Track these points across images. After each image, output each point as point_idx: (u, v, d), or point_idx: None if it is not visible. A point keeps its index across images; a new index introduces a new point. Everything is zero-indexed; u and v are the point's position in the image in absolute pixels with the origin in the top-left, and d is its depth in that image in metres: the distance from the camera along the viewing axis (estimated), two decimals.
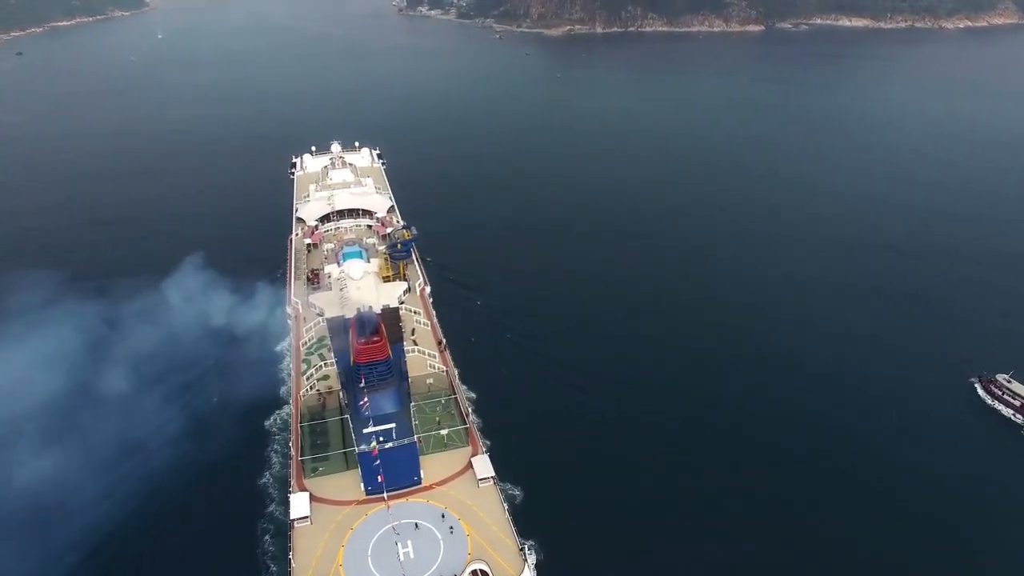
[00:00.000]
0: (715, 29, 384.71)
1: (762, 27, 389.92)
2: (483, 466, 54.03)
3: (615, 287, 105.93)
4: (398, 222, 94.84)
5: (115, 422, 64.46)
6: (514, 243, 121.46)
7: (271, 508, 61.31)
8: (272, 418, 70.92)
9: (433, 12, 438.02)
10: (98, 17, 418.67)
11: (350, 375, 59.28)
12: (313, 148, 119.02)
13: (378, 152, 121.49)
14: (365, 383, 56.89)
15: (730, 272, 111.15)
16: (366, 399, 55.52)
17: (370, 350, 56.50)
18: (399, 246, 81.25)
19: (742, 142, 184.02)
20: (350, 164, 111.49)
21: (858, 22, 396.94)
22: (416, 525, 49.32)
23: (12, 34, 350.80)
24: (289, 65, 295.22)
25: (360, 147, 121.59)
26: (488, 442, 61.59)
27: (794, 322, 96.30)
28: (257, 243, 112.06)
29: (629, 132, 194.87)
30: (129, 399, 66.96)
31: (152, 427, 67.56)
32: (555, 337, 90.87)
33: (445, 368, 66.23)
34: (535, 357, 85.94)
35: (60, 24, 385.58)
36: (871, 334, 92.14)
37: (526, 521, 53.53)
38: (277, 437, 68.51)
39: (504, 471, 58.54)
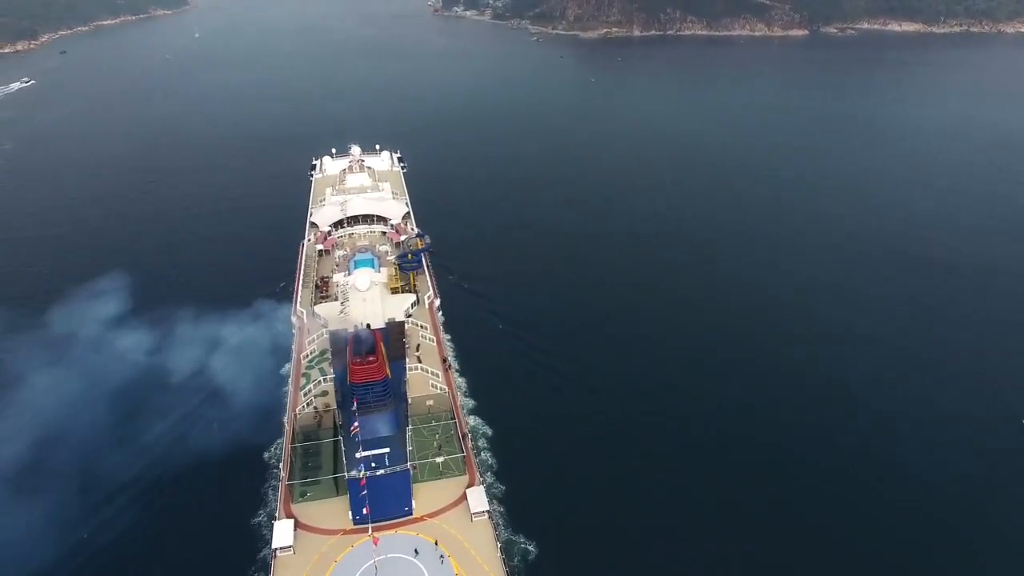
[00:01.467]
0: (756, 33, 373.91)
1: (806, 32, 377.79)
2: (478, 499, 50.79)
3: (651, 304, 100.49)
4: (413, 229, 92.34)
5: (103, 458, 62.35)
6: (537, 253, 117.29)
7: (261, 548, 56.64)
8: (272, 448, 66.47)
9: (468, 13, 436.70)
10: (141, 16, 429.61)
11: (347, 394, 56.67)
12: (333, 150, 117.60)
13: (399, 155, 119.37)
14: (358, 404, 54.14)
15: (780, 288, 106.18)
16: (356, 423, 52.77)
17: (366, 370, 53.69)
18: (410, 256, 78.60)
19: (782, 153, 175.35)
20: (368, 167, 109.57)
21: (909, 27, 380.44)
22: (402, 560, 46.39)
23: (60, 32, 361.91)
24: (319, 65, 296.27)
25: (380, 150, 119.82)
26: (488, 471, 58.51)
27: (853, 342, 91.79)
28: (273, 249, 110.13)
29: (663, 140, 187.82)
30: (121, 431, 64.73)
31: (144, 462, 64.97)
32: (580, 361, 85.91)
33: (448, 389, 63.18)
34: (552, 377, 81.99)
35: (105, 23, 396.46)
36: (935, 359, 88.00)
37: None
38: (274, 471, 63.92)
39: (508, 509, 55.56)
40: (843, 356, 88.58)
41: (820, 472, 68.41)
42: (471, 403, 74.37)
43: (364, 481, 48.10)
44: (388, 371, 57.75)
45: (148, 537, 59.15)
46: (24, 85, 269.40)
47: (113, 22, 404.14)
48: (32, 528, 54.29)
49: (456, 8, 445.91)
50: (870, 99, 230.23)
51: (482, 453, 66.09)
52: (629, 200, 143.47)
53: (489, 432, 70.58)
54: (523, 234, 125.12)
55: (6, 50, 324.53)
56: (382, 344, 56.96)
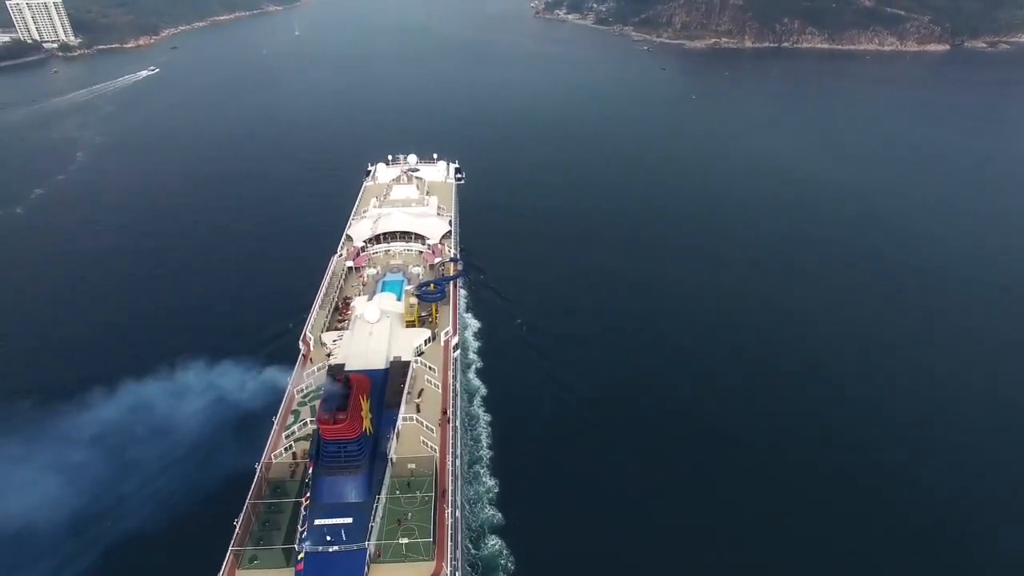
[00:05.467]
0: (886, 48, 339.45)
1: (947, 46, 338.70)
2: None
3: (760, 381, 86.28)
4: (449, 251, 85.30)
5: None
6: (591, 294, 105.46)
7: None
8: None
9: (570, 16, 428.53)
10: (254, 12, 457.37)
11: (319, 447, 50.09)
12: (390, 156, 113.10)
13: (456, 166, 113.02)
14: (325, 463, 47.45)
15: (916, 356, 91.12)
16: (310, 485, 46.34)
17: (333, 430, 46.77)
18: (432, 286, 71.34)
19: (915, 205, 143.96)
20: (418, 178, 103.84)
21: None
22: None
23: (179, 27, 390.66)
24: (410, 67, 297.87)
25: (438, 159, 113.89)
26: (463, 556, 49.87)
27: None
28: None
29: (767, 176, 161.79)
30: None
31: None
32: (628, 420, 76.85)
33: (439, 449, 55.09)
34: (593, 439, 72.90)
35: (220, 19, 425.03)
36: None
37: None
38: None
39: None
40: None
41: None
42: (485, 475, 67.24)
43: (301, 567, 41.16)
44: (369, 426, 50.62)
45: None
46: (151, 73, 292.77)
47: (228, 17, 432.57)
48: None
49: (559, 11, 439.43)
50: None
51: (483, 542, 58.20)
52: (717, 243, 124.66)
53: (499, 518, 62.62)
54: (582, 270, 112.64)
55: (129, 45, 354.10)
56: (361, 396, 49.79)
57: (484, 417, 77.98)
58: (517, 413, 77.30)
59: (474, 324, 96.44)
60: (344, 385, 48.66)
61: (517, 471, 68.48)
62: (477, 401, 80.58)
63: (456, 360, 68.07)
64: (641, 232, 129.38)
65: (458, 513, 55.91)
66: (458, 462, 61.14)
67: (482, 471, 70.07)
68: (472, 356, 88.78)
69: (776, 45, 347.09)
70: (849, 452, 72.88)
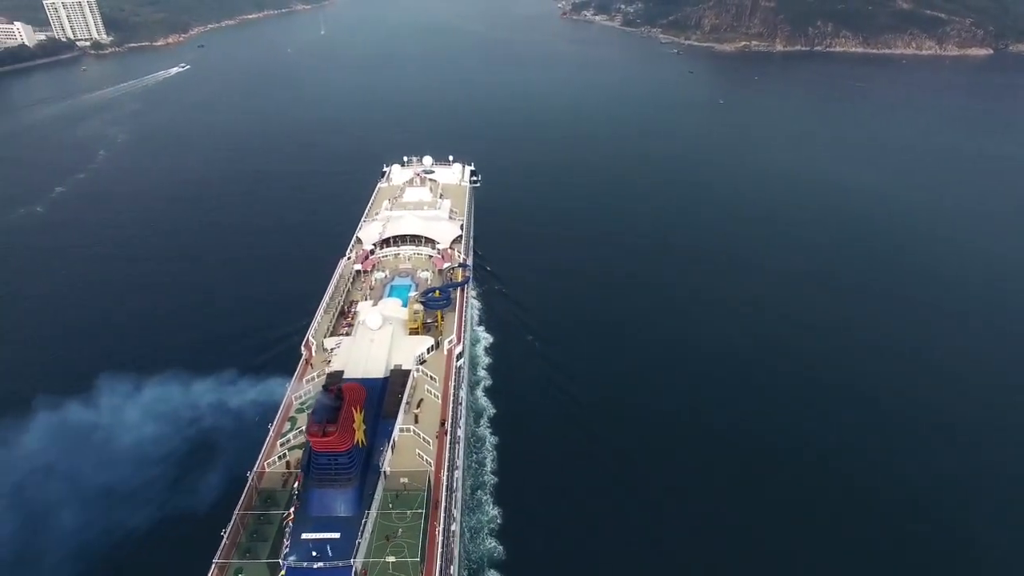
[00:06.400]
0: (924, 52, 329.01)
1: (989, 50, 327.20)
2: None
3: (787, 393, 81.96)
4: (459, 256, 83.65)
5: None
6: (614, 306, 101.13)
7: None
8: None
9: (598, 17, 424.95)
10: (283, 11, 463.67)
11: (310, 458, 48.73)
12: (405, 158, 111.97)
13: (472, 169, 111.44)
14: (315, 475, 46.06)
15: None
16: (297, 497, 44.92)
17: (323, 442, 45.32)
18: (437, 292, 69.64)
19: (956, 225, 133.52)
20: (432, 180, 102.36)
21: None
22: None
23: (209, 26, 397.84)
24: (433, 67, 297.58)
25: (453, 161, 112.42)
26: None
27: None
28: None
29: (795, 186, 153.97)
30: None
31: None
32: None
33: (434, 463, 53.33)
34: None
35: (249, 17, 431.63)
36: None
37: None
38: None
39: None
40: None
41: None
42: (488, 503, 63.96)
43: None
44: (362, 437, 49.10)
45: None
46: (182, 70, 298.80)
47: (257, 16, 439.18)
48: None
49: (586, 12, 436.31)
50: None
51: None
52: (746, 251, 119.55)
53: (500, 551, 59.60)
54: (605, 279, 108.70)
55: (159, 43, 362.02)
56: (354, 407, 48.28)
57: (490, 439, 73.88)
58: (527, 436, 72.45)
59: (486, 338, 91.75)
60: (335, 397, 47.15)
61: (523, 501, 64.17)
62: (484, 421, 76.67)
63: (459, 369, 66.19)
64: (665, 240, 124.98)
65: (455, 527, 54.22)
66: (457, 473, 59.35)
67: (485, 498, 66.26)
68: (481, 373, 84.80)
69: (808, 48, 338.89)
70: (898, 482, 68.07)
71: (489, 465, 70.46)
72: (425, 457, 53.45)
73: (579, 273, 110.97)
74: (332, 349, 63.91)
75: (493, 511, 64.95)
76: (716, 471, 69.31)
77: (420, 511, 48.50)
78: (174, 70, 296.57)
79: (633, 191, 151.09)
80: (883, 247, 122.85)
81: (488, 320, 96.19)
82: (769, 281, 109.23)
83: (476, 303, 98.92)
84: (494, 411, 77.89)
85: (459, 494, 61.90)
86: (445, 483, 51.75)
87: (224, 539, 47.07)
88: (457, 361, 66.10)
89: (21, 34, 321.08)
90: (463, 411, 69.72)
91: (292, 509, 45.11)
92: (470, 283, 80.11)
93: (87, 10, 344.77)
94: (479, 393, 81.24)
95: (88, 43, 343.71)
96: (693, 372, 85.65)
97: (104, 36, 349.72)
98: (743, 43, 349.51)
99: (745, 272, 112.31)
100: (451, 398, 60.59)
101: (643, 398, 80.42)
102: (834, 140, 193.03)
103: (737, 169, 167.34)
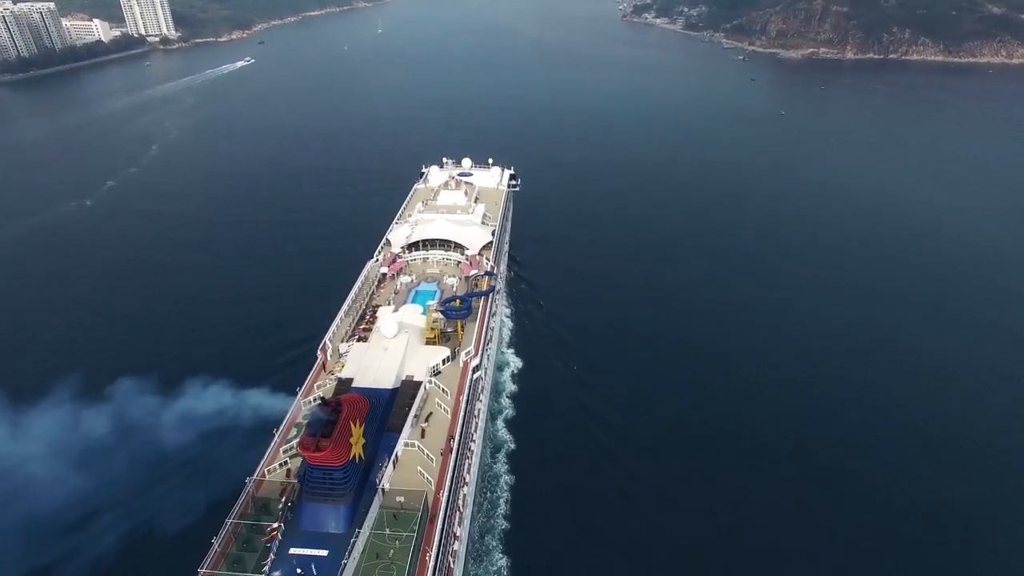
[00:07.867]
0: (1013, 61, 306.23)
1: None
2: None
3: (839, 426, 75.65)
4: (487, 262, 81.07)
5: None
6: (664, 330, 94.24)
7: None
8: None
9: (659, 20, 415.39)
10: (344, 8, 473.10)
11: (305, 470, 47.03)
12: (444, 159, 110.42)
13: (511, 172, 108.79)
14: (308, 488, 44.35)
15: None
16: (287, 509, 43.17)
17: (316, 456, 43.46)
18: (458, 302, 67.16)
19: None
20: (468, 184, 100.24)
21: None
22: None
23: (272, 22, 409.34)
24: (487, 69, 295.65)
25: (492, 164, 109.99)
26: None
27: None
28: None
29: (858, 210, 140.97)
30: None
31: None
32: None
33: (436, 482, 50.71)
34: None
35: (311, 14, 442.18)
36: None
37: None
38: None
39: None
40: None
41: None
42: (497, 551, 59.71)
43: None
44: (359, 452, 47.11)
45: None
46: (247, 63, 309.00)
47: (319, 13, 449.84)
48: None
49: (647, 15, 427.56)
50: None
51: None
52: (802, 269, 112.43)
53: None
54: (655, 296, 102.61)
55: (223, 39, 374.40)
56: (354, 421, 46.30)
57: (506, 477, 68.32)
58: (550, 482, 65.95)
59: (515, 362, 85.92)
60: (332, 410, 45.25)
61: (537, 557, 58.84)
62: (501, 457, 71.10)
63: (475, 383, 63.41)
64: (716, 253, 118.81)
65: (458, 546, 51.45)
66: (465, 490, 56.66)
67: (494, 544, 61.27)
68: (505, 402, 79.57)
69: (882, 57, 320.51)
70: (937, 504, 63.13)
71: (502, 507, 64.93)
72: (426, 475, 50.81)
73: (630, 289, 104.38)
74: (345, 354, 62.35)
75: (501, 560, 59.97)
76: (783, 546, 60.88)
77: (414, 532, 45.97)
78: (239, 63, 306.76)
79: (682, 201, 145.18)
80: (977, 286, 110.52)
81: (519, 342, 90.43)
82: (860, 305, 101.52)
83: (508, 322, 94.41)
84: (514, 447, 72.14)
85: (468, 511, 59.18)
86: (444, 503, 49.01)
87: (215, 547, 45.70)
88: (473, 374, 63.35)
89: (98, 30, 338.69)
90: (479, 424, 66.88)
91: (277, 523, 43.41)
92: (496, 292, 77.19)
93: (158, 6, 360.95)
94: (499, 424, 76.29)
95: (157, 38, 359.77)
96: (769, 435, 74.09)
97: (172, 32, 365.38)
98: (811, 50, 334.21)
99: (800, 286, 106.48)
100: (462, 413, 57.87)
101: (707, 461, 68.93)
102: (908, 157, 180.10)
103: (793, 182, 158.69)
